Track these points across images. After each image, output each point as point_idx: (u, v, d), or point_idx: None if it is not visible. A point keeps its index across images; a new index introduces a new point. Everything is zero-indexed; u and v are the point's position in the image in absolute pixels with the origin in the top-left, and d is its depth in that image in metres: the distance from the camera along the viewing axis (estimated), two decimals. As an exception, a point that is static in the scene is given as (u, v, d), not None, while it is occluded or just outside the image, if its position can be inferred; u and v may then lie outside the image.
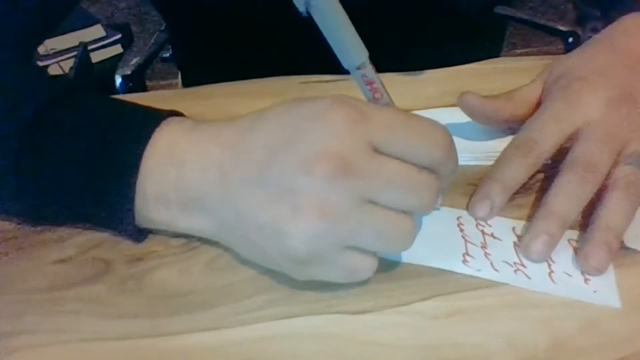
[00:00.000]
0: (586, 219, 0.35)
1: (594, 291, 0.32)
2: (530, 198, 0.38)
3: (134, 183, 0.32)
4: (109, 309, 0.31)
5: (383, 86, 0.31)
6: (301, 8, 0.27)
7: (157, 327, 0.30)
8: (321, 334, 0.30)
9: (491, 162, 0.39)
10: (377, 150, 0.29)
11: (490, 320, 0.30)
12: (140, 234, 0.35)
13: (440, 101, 0.48)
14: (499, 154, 0.39)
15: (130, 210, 0.32)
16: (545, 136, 0.37)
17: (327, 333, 0.30)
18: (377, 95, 0.31)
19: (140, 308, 0.31)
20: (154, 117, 0.33)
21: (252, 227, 0.30)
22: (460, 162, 0.42)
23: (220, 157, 0.31)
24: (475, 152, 0.42)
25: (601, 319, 0.30)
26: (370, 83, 0.30)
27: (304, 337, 0.30)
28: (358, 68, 0.30)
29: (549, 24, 0.97)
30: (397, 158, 0.29)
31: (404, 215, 0.29)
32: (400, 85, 0.52)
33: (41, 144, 0.33)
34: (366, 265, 0.30)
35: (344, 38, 0.28)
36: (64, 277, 0.33)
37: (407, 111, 0.31)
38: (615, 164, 0.36)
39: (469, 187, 0.38)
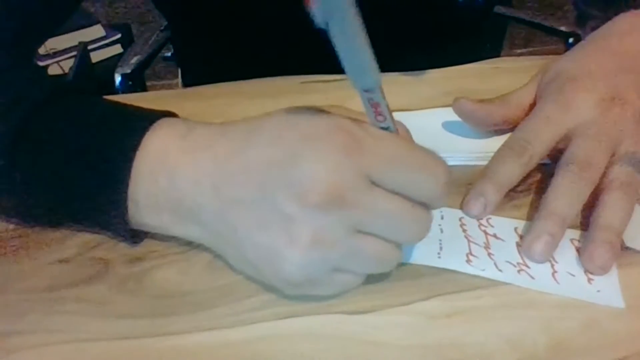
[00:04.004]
0: (587, 219, 0.35)
1: (598, 291, 0.32)
2: (530, 198, 0.39)
3: (126, 188, 0.31)
4: (109, 309, 0.31)
5: (389, 110, 0.29)
6: (319, 20, 0.24)
7: (157, 327, 0.30)
8: (321, 334, 0.30)
9: (490, 162, 0.39)
10: (373, 182, 0.28)
11: (490, 320, 0.30)
12: (135, 236, 0.34)
13: (440, 101, 0.48)
14: (497, 154, 0.39)
15: (123, 214, 0.32)
16: (538, 137, 0.38)
17: (327, 333, 0.30)
18: (379, 119, 0.29)
19: (140, 308, 0.31)
20: (146, 120, 0.33)
21: (247, 246, 0.30)
22: (459, 162, 0.42)
23: (213, 170, 0.30)
24: (474, 152, 0.43)
25: (601, 319, 0.30)
26: (375, 106, 0.29)
27: (304, 337, 0.30)
28: (366, 90, 0.28)
29: (549, 24, 0.97)
30: (392, 191, 0.29)
31: (392, 244, 0.30)
32: (400, 85, 0.52)
33: (33, 145, 0.33)
34: (353, 283, 0.31)
35: (360, 58, 0.26)
36: (64, 277, 0.33)
37: (408, 141, 0.30)
38: (610, 164, 0.36)
39: (469, 187, 0.38)
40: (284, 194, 0.28)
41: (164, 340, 0.30)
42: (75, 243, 0.36)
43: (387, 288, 0.32)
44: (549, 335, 0.29)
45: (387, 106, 0.29)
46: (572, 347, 0.29)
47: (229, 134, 0.31)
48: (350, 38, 0.25)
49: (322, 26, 0.24)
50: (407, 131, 0.32)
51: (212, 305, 0.31)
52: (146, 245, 0.35)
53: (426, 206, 0.30)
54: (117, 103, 0.35)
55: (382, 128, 0.30)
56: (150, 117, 0.33)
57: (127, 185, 0.31)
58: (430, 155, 0.29)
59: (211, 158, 0.31)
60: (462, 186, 0.39)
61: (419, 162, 0.29)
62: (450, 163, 0.42)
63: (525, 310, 0.31)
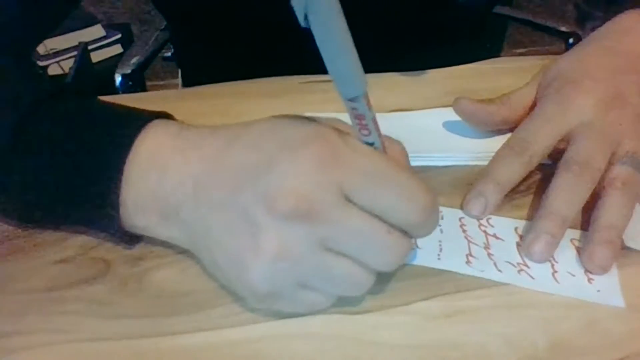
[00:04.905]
0: (587, 219, 0.35)
1: (598, 290, 0.32)
2: (530, 198, 0.39)
3: (117, 189, 0.31)
4: (109, 309, 0.31)
5: (375, 124, 0.27)
6: (300, 15, 0.22)
7: (157, 327, 0.30)
8: (321, 334, 0.30)
9: (491, 163, 0.39)
10: (347, 198, 0.27)
11: (490, 320, 0.30)
12: (130, 237, 0.34)
13: (440, 101, 0.48)
14: (498, 154, 0.39)
15: (114, 215, 0.32)
16: (539, 137, 0.38)
17: (327, 333, 0.30)
18: (364, 132, 0.27)
19: (140, 308, 0.31)
20: (139, 121, 0.33)
21: (217, 249, 0.29)
22: (460, 162, 0.42)
23: (197, 169, 0.30)
24: (474, 152, 0.43)
25: (601, 319, 0.30)
26: (359, 118, 0.26)
27: (304, 337, 0.30)
28: (350, 99, 0.25)
29: (550, 24, 0.97)
30: (368, 211, 0.27)
31: (364, 268, 0.28)
32: (400, 85, 0.52)
33: (28, 146, 0.33)
34: (321, 304, 0.30)
35: (342, 62, 0.24)
36: (64, 277, 0.33)
37: (393, 161, 0.28)
38: (610, 164, 0.36)
39: (469, 187, 0.38)
40: (253, 200, 0.27)
41: (163, 340, 0.30)
42: (75, 243, 0.36)
43: (387, 288, 0.32)
44: (549, 335, 0.29)
45: (374, 119, 0.27)
46: (572, 347, 0.29)
47: (217, 136, 0.31)
48: (331, 38, 0.23)
49: (303, 23, 0.22)
50: (403, 153, 0.31)
51: (212, 305, 0.31)
52: (146, 245, 0.35)
53: (406, 233, 0.28)
54: (111, 104, 0.35)
55: (368, 143, 0.28)
56: (143, 119, 0.33)
57: (119, 188, 0.31)
58: (417, 180, 0.28)
59: (198, 157, 0.31)
60: (462, 186, 0.39)
61: (400, 183, 0.27)
62: (450, 163, 0.42)
63: (525, 310, 0.31)
